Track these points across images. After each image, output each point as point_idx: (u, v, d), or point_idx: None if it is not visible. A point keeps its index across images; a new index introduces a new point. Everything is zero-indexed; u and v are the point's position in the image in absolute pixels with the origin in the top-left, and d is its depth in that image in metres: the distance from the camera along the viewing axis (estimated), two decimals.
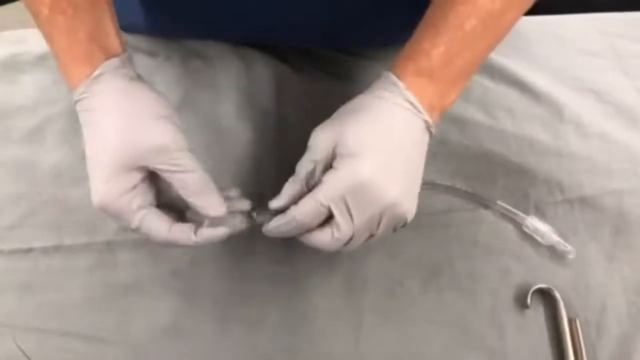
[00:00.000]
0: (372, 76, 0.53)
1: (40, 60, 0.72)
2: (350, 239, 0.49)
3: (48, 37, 0.50)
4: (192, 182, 0.48)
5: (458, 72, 0.51)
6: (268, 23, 0.67)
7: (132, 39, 0.73)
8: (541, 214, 0.64)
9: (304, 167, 0.50)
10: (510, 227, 0.64)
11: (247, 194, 0.54)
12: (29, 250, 0.61)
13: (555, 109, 0.71)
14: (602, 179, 0.67)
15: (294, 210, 0.49)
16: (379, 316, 0.59)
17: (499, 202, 0.64)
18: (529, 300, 0.59)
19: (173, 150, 0.48)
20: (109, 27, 0.50)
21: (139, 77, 0.51)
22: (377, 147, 0.48)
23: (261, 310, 0.59)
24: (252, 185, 0.64)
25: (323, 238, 0.49)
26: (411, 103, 0.49)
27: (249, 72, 0.72)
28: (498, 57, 0.74)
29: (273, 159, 0.66)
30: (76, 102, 0.49)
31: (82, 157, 0.63)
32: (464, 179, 0.65)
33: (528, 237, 0.63)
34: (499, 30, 0.52)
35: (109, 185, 0.47)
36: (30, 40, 0.73)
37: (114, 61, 0.49)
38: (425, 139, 0.51)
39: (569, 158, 0.68)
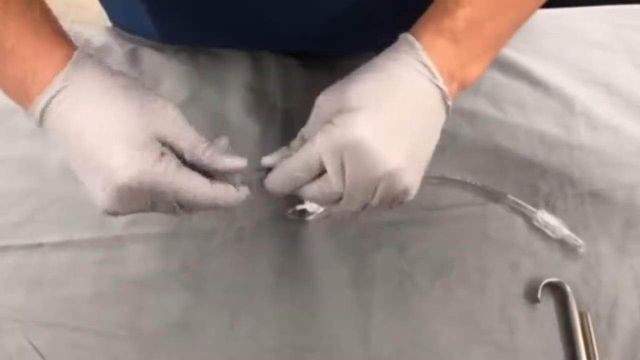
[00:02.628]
0: None
1: None
2: (341, 198, 0.47)
3: None
4: (203, 142, 0.46)
5: (483, 42, 0.47)
6: (281, 33, 0.66)
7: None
8: (551, 207, 0.64)
9: (306, 133, 0.48)
10: (520, 221, 0.63)
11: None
12: (39, 246, 0.61)
13: (566, 103, 0.70)
14: (613, 172, 0.66)
15: (287, 163, 0.47)
16: (387, 311, 0.59)
17: (509, 196, 0.63)
18: (539, 295, 0.59)
19: (179, 115, 0.46)
20: (56, 21, 0.47)
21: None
22: (381, 105, 0.44)
23: (270, 304, 0.59)
24: None
25: (311, 190, 0.47)
26: (426, 66, 0.45)
27: (256, 67, 0.72)
28: (508, 50, 0.73)
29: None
30: (53, 96, 0.44)
31: None
32: (473, 173, 0.65)
33: (538, 231, 0.63)
34: (529, 3, 0.49)
35: (139, 154, 0.42)
36: None
37: (83, 49, 0.46)
38: (440, 111, 0.46)
39: (579, 151, 0.67)
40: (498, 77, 0.72)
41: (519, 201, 0.63)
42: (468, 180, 0.64)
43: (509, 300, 0.59)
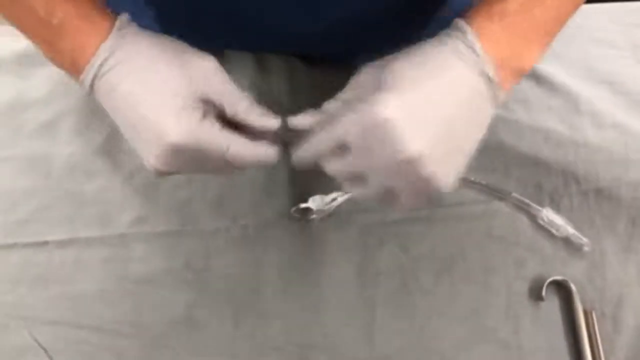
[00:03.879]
0: None
1: None
2: (365, 179, 0.46)
3: (41, 21, 0.46)
4: (243, 98, 0.48)
5: (536, 26, 0.45)
6: (283, 36, 0.66)
7: None
8: (556, 205, 0.63)
9: (332, 103, 0.48)
10: (524, 219, 0.63)
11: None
12: (44, 244, 0.61)
13: (571, 100, 0.70)
14: (618, 170, 0.66)
15: (315, 138, 0.47)
16: (391, 309, 0.59)
17: (513, 194, 0.63)
18: (544, 293, 0.58)
19: (218, 68, 0.48)
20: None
21: None
22: (414, 89, 0.43)
23: (274, 303, 0.59)
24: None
25: (332, 164, 0.46)
26: (474, 51, 0.44)
27: (261, 67, 0.71)
28: None
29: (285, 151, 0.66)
30: (104, 61, 0.45)
31: (95, 150, 0.65)
32: (478, 171, 0.65)
33: (543, 229, 0.62)
34: None
35: (182, 116, 0.44)
36: None
37: (125, 16, 0.48)
38: (484, 100, 0.45)
39: (584, 149, 0.67)
40: None
41: (524, 199, 0.63)
42: (472, 178, 0.64)
43: (513, 298, 0.59)
